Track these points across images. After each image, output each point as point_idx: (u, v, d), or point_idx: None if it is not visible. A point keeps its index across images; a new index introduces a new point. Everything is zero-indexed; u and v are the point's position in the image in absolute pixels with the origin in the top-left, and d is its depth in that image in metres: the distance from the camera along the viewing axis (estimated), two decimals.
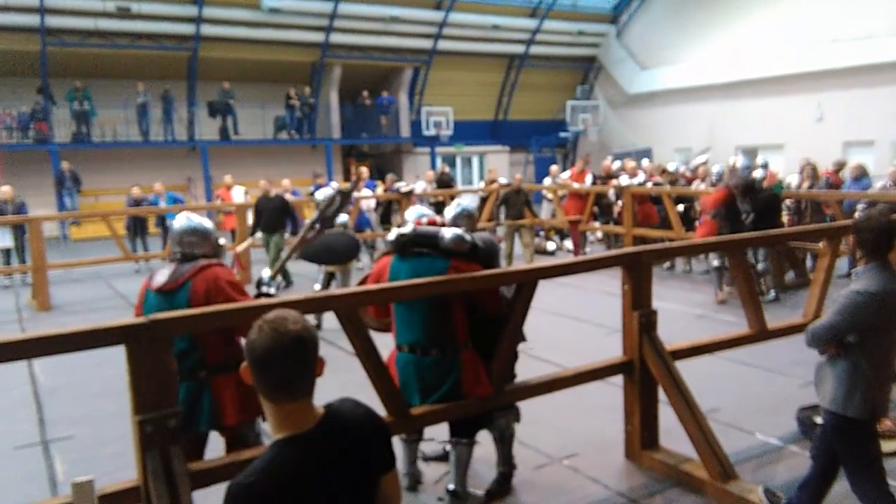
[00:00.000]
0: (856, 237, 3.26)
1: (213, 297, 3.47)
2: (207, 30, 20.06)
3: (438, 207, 12.38)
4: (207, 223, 3.83)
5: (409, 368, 3.89)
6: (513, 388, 4.16)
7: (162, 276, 3.60)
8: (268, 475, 1.62)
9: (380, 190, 14.03)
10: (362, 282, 4.31)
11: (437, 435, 4.42)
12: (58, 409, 5.97)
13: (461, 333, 3.87)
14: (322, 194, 7.74)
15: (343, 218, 8.23)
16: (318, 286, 8.28)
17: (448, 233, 3.86)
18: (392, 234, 3.99)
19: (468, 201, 4.59)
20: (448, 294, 3.80)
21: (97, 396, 6.12)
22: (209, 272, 3.57)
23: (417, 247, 3.92)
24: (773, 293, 9.06)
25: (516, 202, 11.51)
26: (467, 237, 3.88)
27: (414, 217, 4.22)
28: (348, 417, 1.77)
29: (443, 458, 4.59)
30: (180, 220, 3.80)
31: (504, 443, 4.28)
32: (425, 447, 4.56)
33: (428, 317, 3.84)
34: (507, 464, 4.30)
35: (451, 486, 4.03)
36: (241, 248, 10.85)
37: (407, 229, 3.94)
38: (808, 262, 10.26)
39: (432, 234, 3.88)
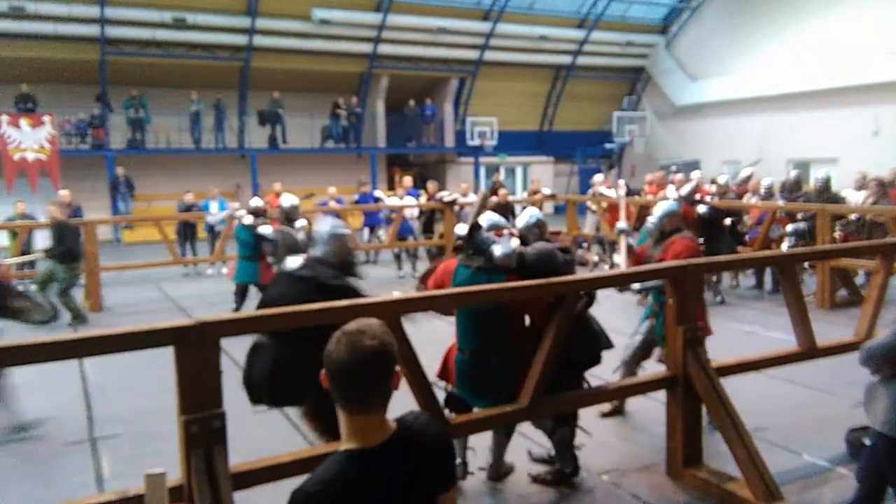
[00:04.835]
0: None
1: None
2: (259, 41, 20.48)
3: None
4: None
5: (468, 372, 4.10)
6: (554, 399, 4.13)
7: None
8: (332, 487, 1.64)
9: (423, 199, 14.11)
10: (425, 280, 4.46)
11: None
12: (106, 408, 6.13)
13: (518, 342, 4.03)
14: None
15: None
16: None
17: (498, 249, 3.89)
18: (455, 235, 4.15)
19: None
20: (503, 304, 3.95)
21: (144, 396, 6.26)
22: None
23: (474, 253, 4.05)
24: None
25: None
26: (514, 254, 3.90)
27: (486, 225, 4.22)
28: (419, 436, 1.77)
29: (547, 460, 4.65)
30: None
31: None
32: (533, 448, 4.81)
33: (487, 326, 4.02)
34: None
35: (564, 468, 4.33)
36: None
37: (463, 231, 4.03)
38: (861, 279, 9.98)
39: (485, 245, 3.99)
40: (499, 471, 4.48)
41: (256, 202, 9.31)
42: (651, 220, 5.47)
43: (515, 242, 3.99)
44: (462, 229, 4.06)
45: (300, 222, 8.63)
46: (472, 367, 4.07)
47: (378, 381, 1.67)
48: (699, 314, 4.96)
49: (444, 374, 4.33)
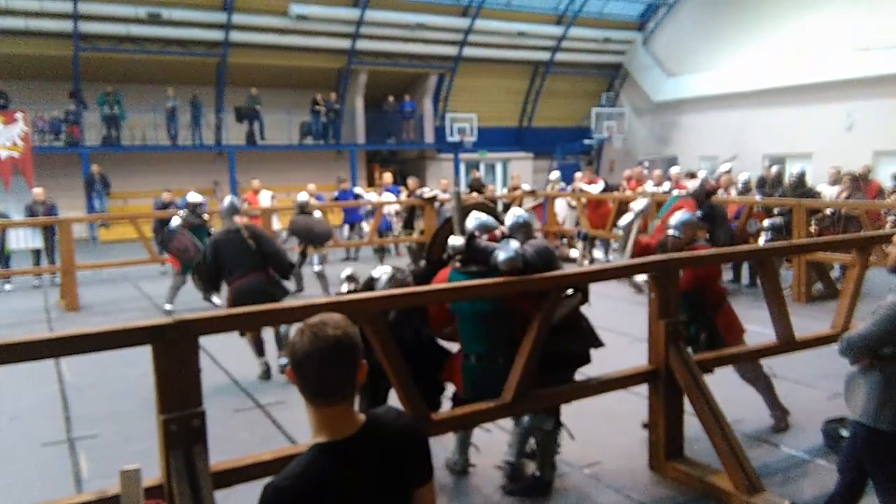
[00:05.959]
0: None
1: None
2: (236, 36, 20.29)
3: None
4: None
5: (478, 376, 4.11)
6: (536, 395, 4.13)
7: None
8: (302, 480, 1.63)
9: (403, 195, 14.09)
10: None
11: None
12: (84, 408, 6.04)
13: (521, 340, 4.05)
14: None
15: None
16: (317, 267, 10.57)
17: (502, 254, 3.89)
18: (448, 247, 4.13)
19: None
20: (503, 304, 4.02)
21: (122, 396, 6.19)
22: None
23: (472, 263, 4.03)
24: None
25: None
26: (519, 257, 3.89)
27: (473, 226, 4.19)
28: (389, 428, 1.76)
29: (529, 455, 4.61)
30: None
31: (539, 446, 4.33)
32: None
33: (490, 329, 4.07)
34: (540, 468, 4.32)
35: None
36: None
37: (459, 242, 3.99)
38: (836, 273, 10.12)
39: (487, 253, 3.98)
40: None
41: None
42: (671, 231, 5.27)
43: (516, 244, 3.96)
44: (457, 240, 4.05)
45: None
46: (480, 370, 4.10)
47: (342, 372, 1.66)
48: (727, 313, 5.06)
49: (449, 379, 4.35)
